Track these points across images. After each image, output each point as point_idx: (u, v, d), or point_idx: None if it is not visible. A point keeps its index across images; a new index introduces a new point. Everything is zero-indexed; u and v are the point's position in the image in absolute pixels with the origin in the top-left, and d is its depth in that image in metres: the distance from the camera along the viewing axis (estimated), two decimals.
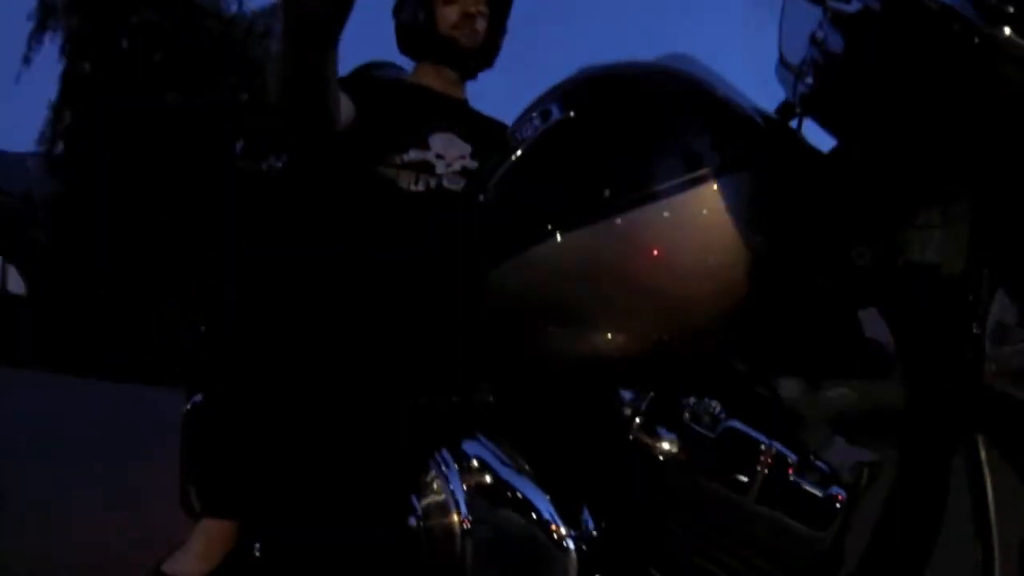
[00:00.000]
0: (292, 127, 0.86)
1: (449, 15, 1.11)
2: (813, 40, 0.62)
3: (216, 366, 1.12)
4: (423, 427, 0.82)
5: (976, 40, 0.48)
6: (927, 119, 0.56)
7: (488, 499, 0.70)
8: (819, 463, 0.61)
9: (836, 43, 0.59)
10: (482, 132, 1.11)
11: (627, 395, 0.70)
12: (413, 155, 1.04)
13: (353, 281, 0.89)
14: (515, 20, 1.25)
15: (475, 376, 0.84)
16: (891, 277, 0.60)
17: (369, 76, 1.16)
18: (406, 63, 1.26)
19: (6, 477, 2.57)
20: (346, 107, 0.97)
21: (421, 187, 1.02)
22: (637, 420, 0.69)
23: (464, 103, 1.20)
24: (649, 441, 0.68)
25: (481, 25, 1.13)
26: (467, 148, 1.08)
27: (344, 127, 0.97)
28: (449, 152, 1.06)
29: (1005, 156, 0.52)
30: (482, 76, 1.24)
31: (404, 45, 1.20)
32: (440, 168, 1.04)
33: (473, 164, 1.05)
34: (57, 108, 12.38)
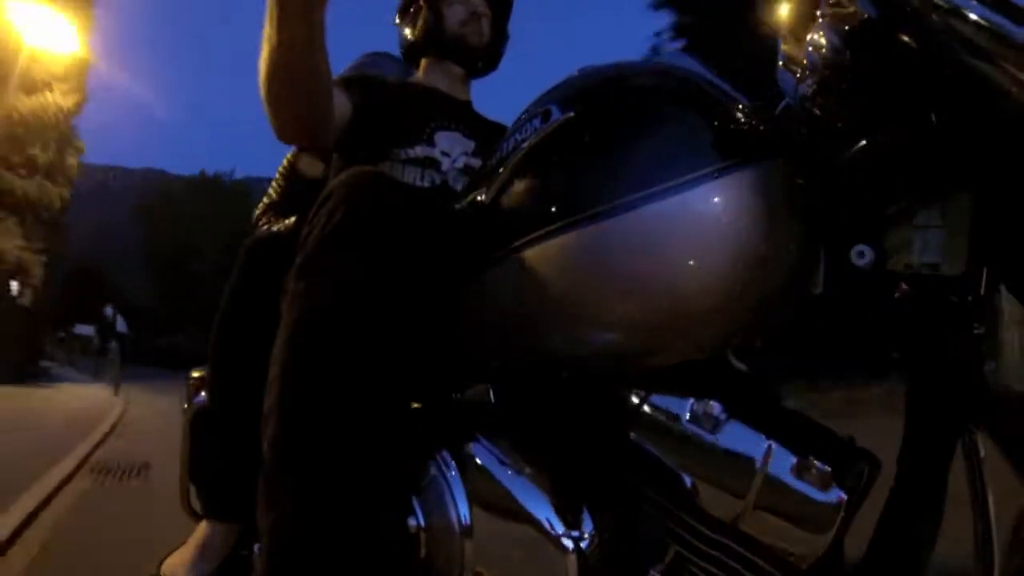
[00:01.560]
0: (281, 123, 0.85)
1: (457, 14, 1.14)
2: (811, 43, 0.62)
3: (218, 366, 1.13)
4: (423, 427, 0.82)
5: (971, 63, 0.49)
6: (924, 122, 0.56)
7: (488, 499, 0.70)
8: (819, 463, 0.61)
9: (833, 47, 0.59)
10: (485, 133, 1.11)
11: (627, 395, 0.70)
12: (419, 151, 1.03)
13: (353, 280, 0.88)
14: (515, 20, 1.26)
15: (475, 376, 0.84)
16: (891, 277, 0.60)
17: (372, 75, 1.16)
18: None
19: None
20: (342, 105, 0.97)
21: (427, 183, 1.02)
22: (637, 420, 0.69)
23: (468, 104, 1.20)
24: (649, 441, 0.68)
25: (486, 26, 1.15)
26: (471, 146, 1.08)
27: (343, 125, 0.97)
28: (454, 149, 1.06)
29: (1005, 156, 0.52)
30: (481, 81, 1.25)
31: (409, 47, 1.21)
32: (446, 165, 1.04)
33: (477, 162, 1.06)
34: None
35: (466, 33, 1.14)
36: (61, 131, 12.49)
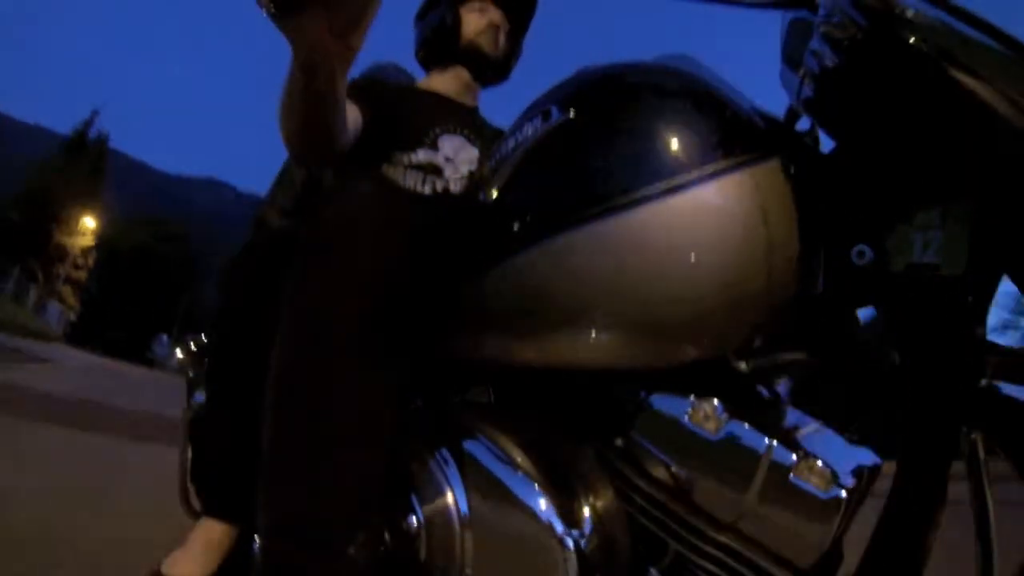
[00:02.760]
0: (295, 148, 0.86)
1: (475, 22, 1.14)
2: (810, 51, 0.63)
3: (217, 365, 1.13)
4: (423, 427, 0.82)
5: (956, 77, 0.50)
6: (921, 128, 0.56)
7: (488, 499, 0.70)
8: (819, 463, 0.61)
9: (830, 56, 0.60)
10: (490, 140, 1.11)
11: (627, 395, 0.70)
12: (422, 156, 1.03)
13: (357, 280, 0.88)
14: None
15: (475, 376, 0.84)
16: (891, 277, 0.60)
17: (379, 80, 1.17)
18: (413, 68, 1.27)
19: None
20: (353, 119, 0.97)
21: (428, 189, 1.02)
22: (637, 420, 0.69)
23: (475, 110, 1.20)
24: (649, 441, 0.68)
25: (502, 38, 1.16)
26: (475, 153, 1.08)
27: (354, 137, 0.97)
28: (458, 155, 1.06)
29: (1002, 159, 0.52)
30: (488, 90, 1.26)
31: (425, 50, 1.22)
32: (448, 171, 1.04)
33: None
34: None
35: (482, 43, 1.14)
36: (87, 253, 30.91)
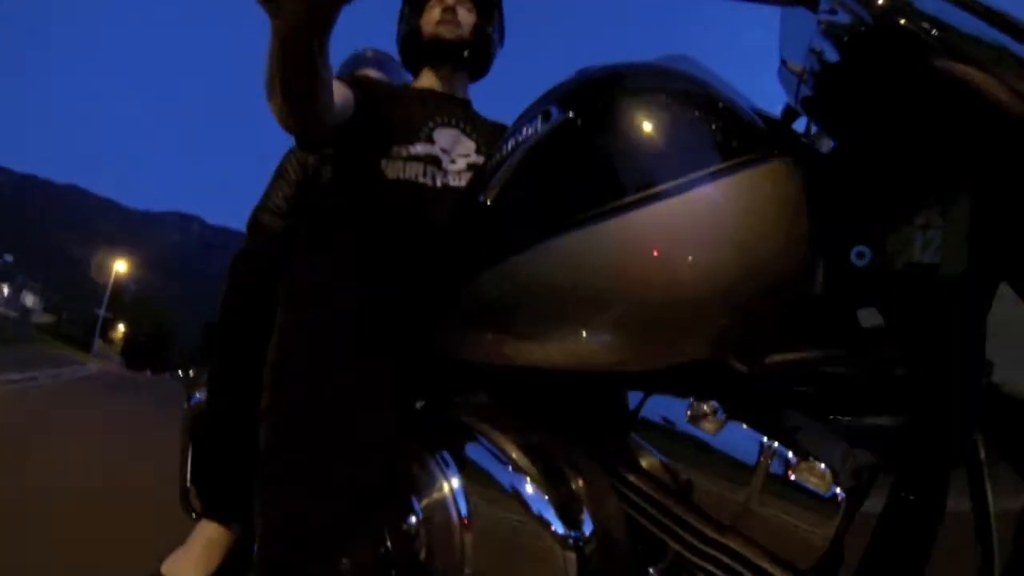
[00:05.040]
0: (279, 109, 0.86)
1: (431, 15, 1.15)
2: (810, 49, 0.63)
3: (218, 368, 1.13)
4: (423, 427, 0.82)
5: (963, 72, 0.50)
6: (925, 123, 0.56)
7: (488, 499, 0.70)
8: (819, 463, 0.61)
9: (831, 53, 0.60)
10: (485, 132, 1.11)
11: (627, 395, 0.70)
12: (419, 148, 1.04)
13: (355, 279, 0.88)
14: (514, 22, 1.27)
15: (475, 376, 0.84)
16: (891, 277, 0.60)
17: (374, 77, 1.17)
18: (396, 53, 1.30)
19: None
20: (346, 99, 0.97)
21: (428, 180, 1.02)
22: (637, 420, 0.69)
23: (467, 103, 1.20)
24: (649, 441, 0.68)
25: (464, 17, 1.15)
26: (471, 145, 1.08)
27: (346, 117, 0.97)
28: (454, 148, 1.06)
29: (1003, 158, 0.52)
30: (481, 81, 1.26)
31: (405, 59, 1.24)
32: (446, 163, 1.04)
33: (477, 160, 1.06)
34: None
35: (440, 31, 1.15)
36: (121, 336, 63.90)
